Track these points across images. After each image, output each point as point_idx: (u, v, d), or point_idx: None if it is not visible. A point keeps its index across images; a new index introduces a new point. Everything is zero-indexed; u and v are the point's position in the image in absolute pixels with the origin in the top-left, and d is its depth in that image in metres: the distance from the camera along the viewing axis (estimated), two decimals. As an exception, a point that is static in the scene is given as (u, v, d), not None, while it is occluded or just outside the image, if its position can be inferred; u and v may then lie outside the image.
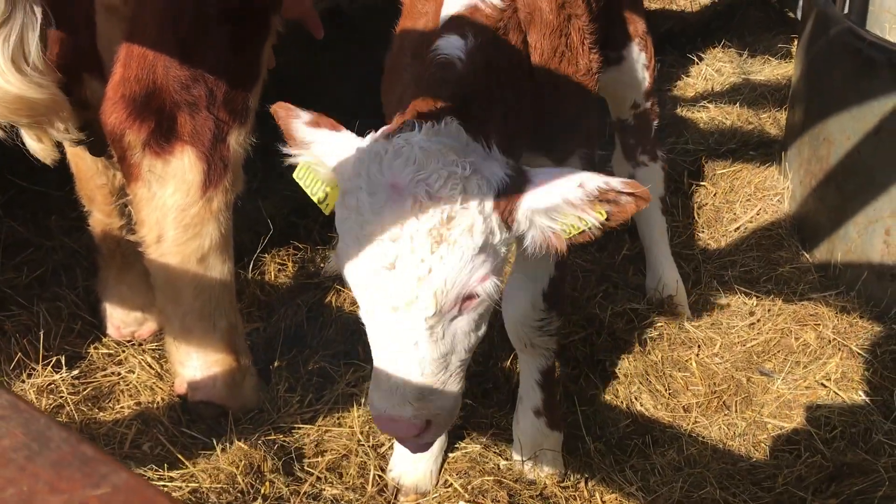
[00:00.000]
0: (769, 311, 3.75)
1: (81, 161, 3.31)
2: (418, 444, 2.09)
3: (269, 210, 4.21)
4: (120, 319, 3.57)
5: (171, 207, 2.81)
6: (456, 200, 1.86)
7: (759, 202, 4.51)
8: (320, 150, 2.08)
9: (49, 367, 3.27)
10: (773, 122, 5.22)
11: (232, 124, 2.80)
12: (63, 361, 3.32)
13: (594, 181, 1.93)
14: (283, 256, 4.10)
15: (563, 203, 1.94)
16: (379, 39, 2.66)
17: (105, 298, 3.59)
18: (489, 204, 1.91)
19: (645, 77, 3.47)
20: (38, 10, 2.73)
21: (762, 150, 4.92)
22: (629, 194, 1.92)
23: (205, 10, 2.63)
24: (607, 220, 1.94)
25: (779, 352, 3.57)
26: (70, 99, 3.19)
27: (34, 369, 3.28)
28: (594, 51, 2.57)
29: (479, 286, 1.92)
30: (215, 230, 2.89)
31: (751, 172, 4.72)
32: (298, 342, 3.61)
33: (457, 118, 1.99)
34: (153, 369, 3.44)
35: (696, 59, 5.88)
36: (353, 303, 3.80)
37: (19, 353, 3.31)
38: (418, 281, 1.86)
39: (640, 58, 3.40)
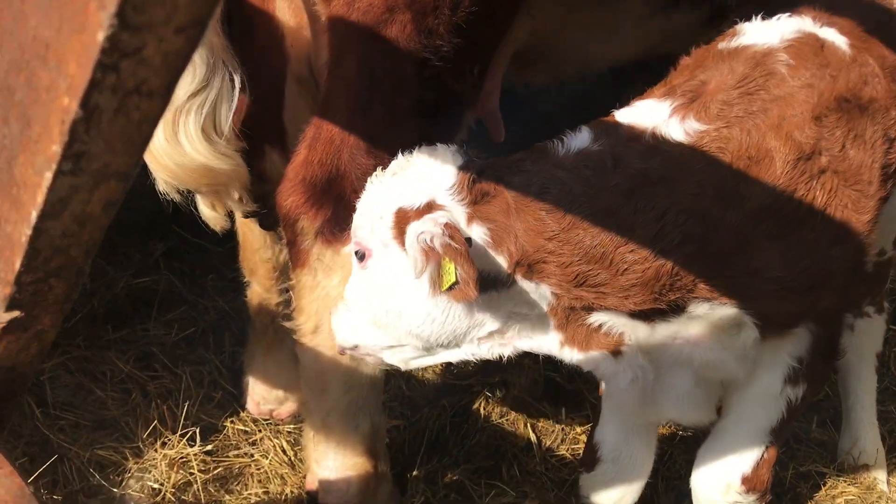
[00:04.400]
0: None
1: (249, 232, 3.21)
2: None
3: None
4: (261, 395, 3.42)
5: (334, 298, 2.62)
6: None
7: (972, 360, 3.94)
8: None
9: (184, 440, 3.13)
10: None
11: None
12: (198, 434, 3.18)
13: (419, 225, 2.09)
14: (433, 348, 3.87)
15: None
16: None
17: (249, 371, 3.46)
18: (391, 207, 2.16)
19: None
20: (236, 78, 2.66)
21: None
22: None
23: (399, 101, 2.46)
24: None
25: None
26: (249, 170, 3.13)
27: (169, 439, 3.15)
28: (857, 215, 2.25)
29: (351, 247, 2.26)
30: (374, 327, 2.68)
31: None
32: (439, 450, 3.35)
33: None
34: (286, 455, 3.25)
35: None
36: (502, 415, 3.52)
37: (156, 420, 3.19)
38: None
39: None
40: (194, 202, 2.90)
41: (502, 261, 2.11)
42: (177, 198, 2.71)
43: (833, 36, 2.39)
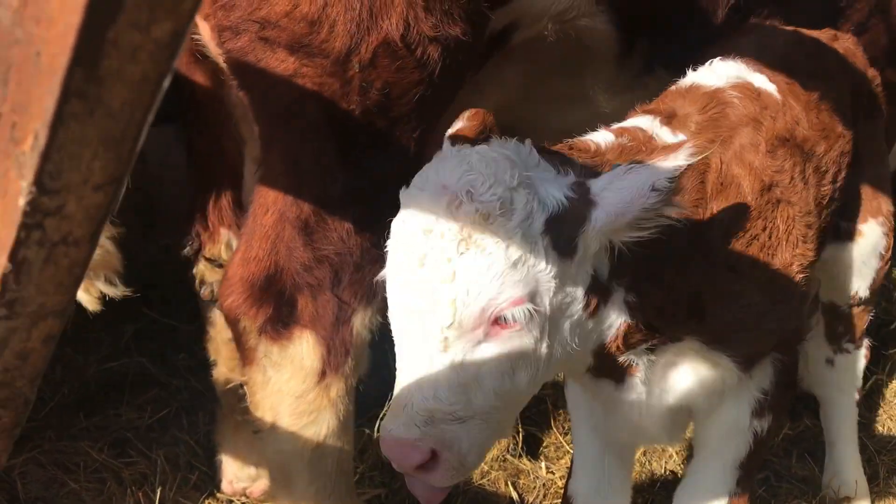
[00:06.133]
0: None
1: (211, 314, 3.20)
2: (426, 487, 1.86)
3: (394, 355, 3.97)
4: (234, 474, 3.41)
5: (286, 394, 2.60)
6: (495, 207, 1.74)
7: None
8: None
9: (161, 529, 3.12)
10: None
11: (357, 306, 2.57)
12: (175, 520, 3.17)
13: (662, 174, 1.79)
14: (409, 409, 3.83)
15: (642, 213, 1.80)
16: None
17: (221, 450, 3.44)
18: (537, 224, 1.77)
19: (877, 267, 2.94)
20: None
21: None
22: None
23: (329, 190, 2.44)
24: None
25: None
26: (203, 255, 3.12)
27: (145, 529, 3.13)
28: (807, 245, 2.28)
29: (511, 310, 1.75)
30: (333, 418, 2.65)
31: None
32: (419, 517, 3.31)
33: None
34: (264, 537, 3.23)
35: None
36: (482, 475, 3.48)
37: (131, 510, 3.18)
38: (440, 283, 1.74)
39: (879, 242, 2.87)
40: None
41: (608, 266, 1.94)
42: None
43: (764, 83, 2.47)
